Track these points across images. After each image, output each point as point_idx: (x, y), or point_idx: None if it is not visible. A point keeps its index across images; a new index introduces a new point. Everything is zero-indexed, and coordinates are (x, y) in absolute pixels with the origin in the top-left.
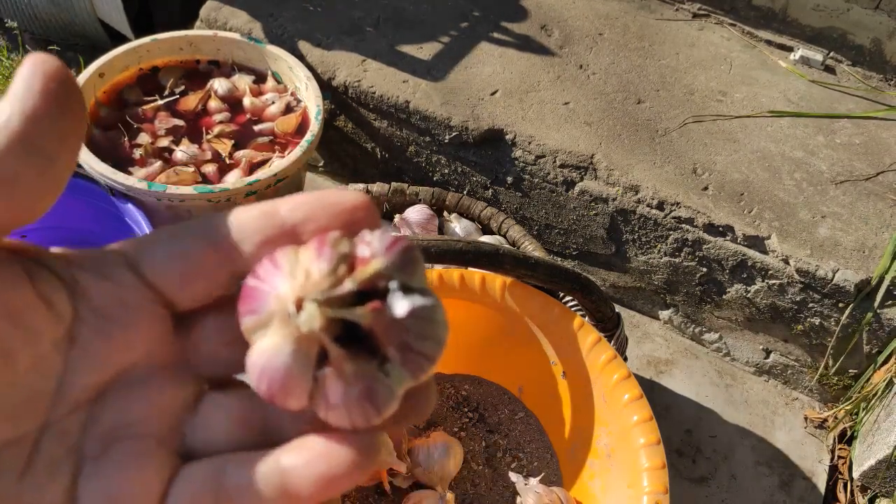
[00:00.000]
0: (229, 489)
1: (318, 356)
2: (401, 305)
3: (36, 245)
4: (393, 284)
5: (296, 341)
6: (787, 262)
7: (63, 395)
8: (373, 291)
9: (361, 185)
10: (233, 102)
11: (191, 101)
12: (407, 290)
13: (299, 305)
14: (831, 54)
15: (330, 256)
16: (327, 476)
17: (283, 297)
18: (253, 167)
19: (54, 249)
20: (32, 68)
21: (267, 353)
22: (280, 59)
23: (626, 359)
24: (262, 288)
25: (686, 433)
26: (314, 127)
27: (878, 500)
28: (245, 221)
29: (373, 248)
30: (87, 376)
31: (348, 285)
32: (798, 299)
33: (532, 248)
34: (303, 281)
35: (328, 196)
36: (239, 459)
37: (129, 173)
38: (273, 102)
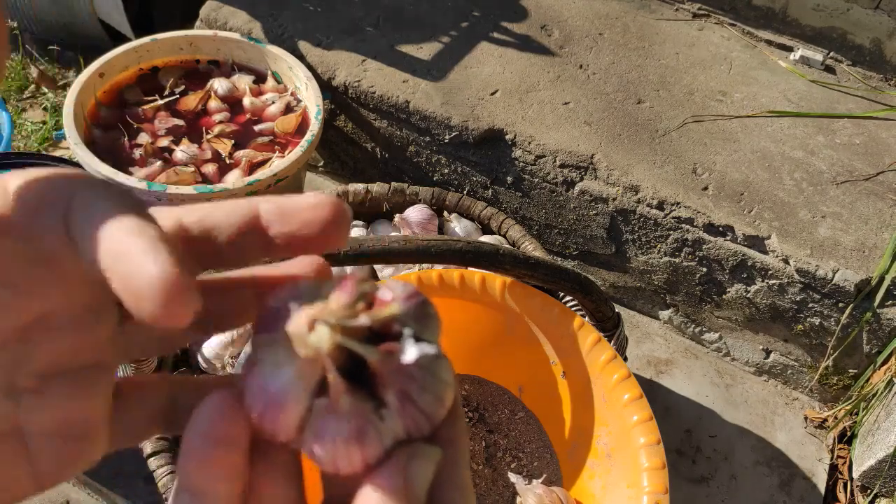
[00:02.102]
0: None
1: (318, 387)
2: (410, 352)
3: None
4: (407, 331)
5: (299, 364)
6: (787, 262)
7: None
8: (385, 335)
9: (362, 186)
10: (233, 102)
11: (191, 101)
12: (419, 340)
13: (311, 326)
14: (831, 54)
15: (351, 290)
16: None
17: (298, 319)
18: (253, 167)
19: None
20: None
21: (268, 371)
22: (280, 59)
23: (626, 359)
24: (280, 308)
25: (686, 433)
26: (314, 127)
27: (878, 500)
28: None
29: (394, 293)
30: (7, 320)
31: (364, 319)
32: (798, 299)
33: (532, 248)
34: (321, 308)
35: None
36: (186, 382)
37: (129, 173)
38: (273, 102)
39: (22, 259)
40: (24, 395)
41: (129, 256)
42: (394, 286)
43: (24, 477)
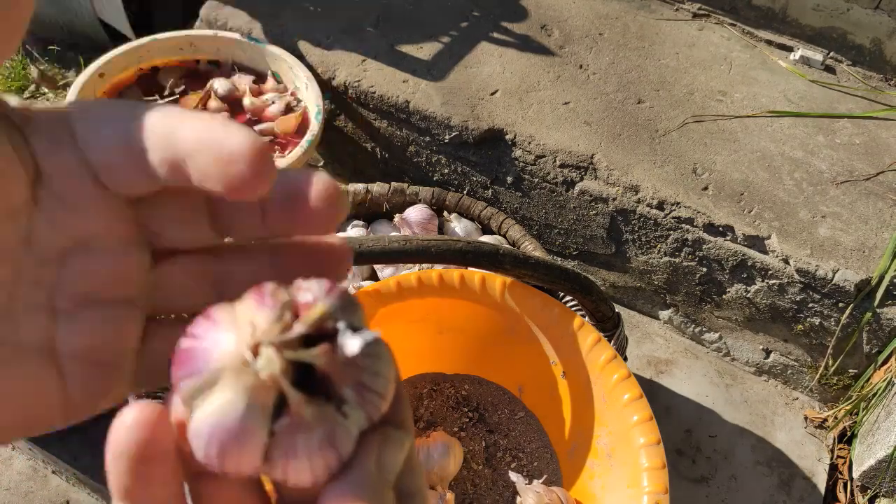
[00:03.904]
0: None
1: (275, 410)
2: (353, 343)
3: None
4: (341, 325)
5: (251, 392)
6: (787, 262)
7: (31, 249)
8: (320, 335)
9: (362, 186)
10: (233, 102)
11: (191, 101)
12: (354, 329)
13: (255, 352)
14: (831, 54)
15: (273, 305)
16: None
17: (235, 348)
18: None
19: (11, 101)
20: None
21: (217, 411)
22: (280, 59)
23: (626, 359)
24: (203, 346)
25: (686, 433)
26: (314, 127)
27: (878, 500)
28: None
29: (314, 293)
30: (53, 236)
31: (299, 328)
32: (798, 299)
33: (532, 248)
34: (250, 331)
35: (219, 133)
36: None
37: None
38: (273, 102)
39: (76, 175)
40: (60, 316)
41: (218, 130)
42: (308, 286)
43: (55, 400)
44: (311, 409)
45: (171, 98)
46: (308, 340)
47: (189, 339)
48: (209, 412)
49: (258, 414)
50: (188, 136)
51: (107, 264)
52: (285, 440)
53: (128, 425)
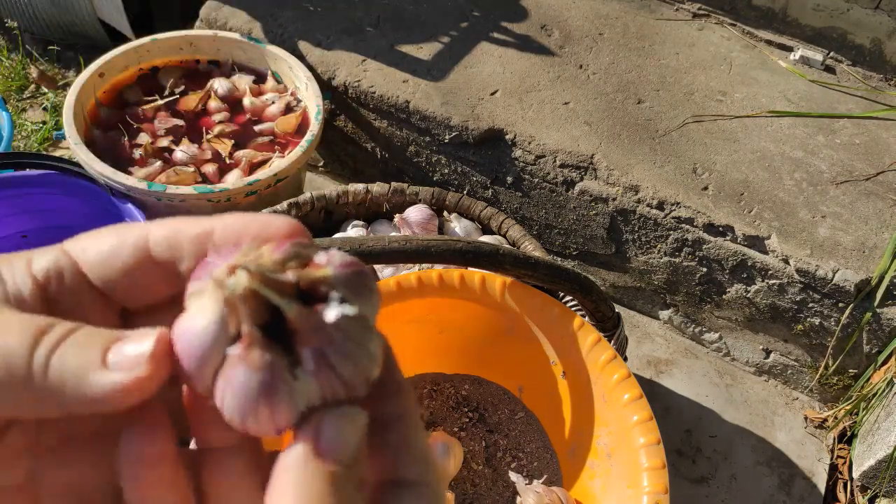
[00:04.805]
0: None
1: (236, 337)
2: (331, 312)
3: None
4: (335, 294)
5: (219, 307)
6: (787, 262)
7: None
8: (315, 299)
9: (362, 186)
10: (233, 102)
11: (191, 101)
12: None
13: (232, 271)
14: (831, 54)
15: (286, 250)
16: None
17: (223, 265)
18: (253, 167)
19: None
20: None
21: (191, 315)
22: (280, 59)
23: (626, 359)
24: (216, 262)
25: (686, 433)
26: (314, 127)
27: (878, 500)
28: (182, 241)
29: (330, 259)
30: None
31: (290, 276)
32: (798, 299)
33: (532, 248)
34: (248, 256)
35: (255, 221)
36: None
37: (129, 173)
38: (273, 102)
39: (87, 300)
40: (44, 454)
41: (263, 217)
42: (334, 253)
43: None
44: (259, 350)
45: (170, 98)
46: (305, 303)
47: (213, 255)
48: (185, 315)
49: (217, 331)
50: (225, 232)
51: None
52: (227, 368)
53: (138, 427)
